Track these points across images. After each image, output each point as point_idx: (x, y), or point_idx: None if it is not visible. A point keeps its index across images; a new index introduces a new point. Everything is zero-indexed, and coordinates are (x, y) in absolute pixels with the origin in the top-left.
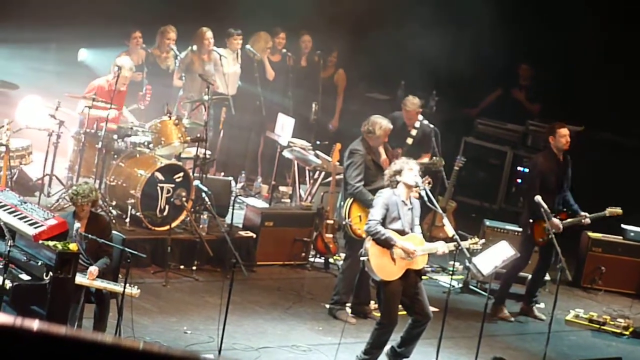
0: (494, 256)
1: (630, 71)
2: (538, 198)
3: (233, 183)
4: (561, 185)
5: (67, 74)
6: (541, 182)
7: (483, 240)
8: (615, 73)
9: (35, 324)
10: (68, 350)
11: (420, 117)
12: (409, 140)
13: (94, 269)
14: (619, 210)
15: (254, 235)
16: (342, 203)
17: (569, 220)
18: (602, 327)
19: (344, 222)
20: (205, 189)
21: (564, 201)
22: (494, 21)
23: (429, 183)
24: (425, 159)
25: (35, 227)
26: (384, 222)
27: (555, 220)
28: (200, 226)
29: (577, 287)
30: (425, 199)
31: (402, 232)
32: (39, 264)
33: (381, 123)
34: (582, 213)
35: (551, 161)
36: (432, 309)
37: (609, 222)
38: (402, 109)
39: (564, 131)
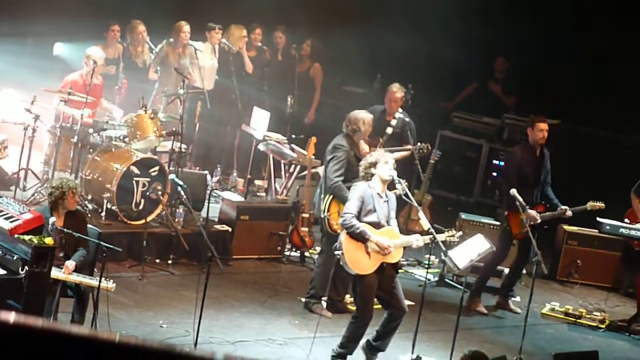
0: (470, 249)
1: (607, 63)
2: (513, 191)
3: (209, 177)
4: (538, 178)
5: (43, 67)
6: (518, 174)
7: (460, 233)
8: (592, 65)
9: (11, 316)
10: (44, 342)
11: (399, 109)
12: (389, 130)
13: (70, 263)
14: (601, 204)
15: (230, 229)
16: (321, 197)
17: (547, 213)
18: (578, 320)
19: (322, 216)
20: (180, 182)
21: (543, 195)
22: (469, 14)
23: (406, 185)
24: (407, 148)
25: (11, 221)
26: (359, 215)
27: (532, 212)
28: (176, 220)
29: (553, 280)
30: (402, 193)
31: (377, 225)
32: (15, 258)
33: (364, 118)
34: (563, 207)
35: (528, 153)
36: (407, 302)
37: (584, 215)
38: (383, 98)
39: (543, 126)
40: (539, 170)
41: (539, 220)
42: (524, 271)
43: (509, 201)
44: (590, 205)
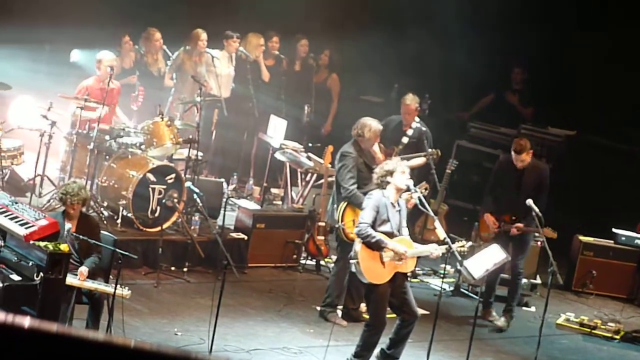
0: (486, 259)
1: (624, 74)
2: (529, 202)
3: (225, 185)
4: (516, 190)
5: (60, 74)
6: (496, 182)
7: (470, 243)
8: (609, 76)
9: (26, 321)
10: (59, 347)
11: (416, 118)
12: (405, 140)
13: (84, 270)
14: (553, 234)
15: (246, 237)
16: (335, 206)
17: (506, 225)
18: (593, 331)
19: (336, 225)
20: (197, 190)
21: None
22: (487, 24)
23: (425, 189)
24: (421, 155)
25: (27, 228)
26: (373, 225)
27: (490, 219)
28: (192, 227)
29: (568, 290)
30: (418, 202)
31: (391, 235)
32: (30, 264)
33: (370, 125)
34: (519, 224)
35: (508, 166)
36: (422, 311)
37: (599, 226)
38: (400, 107)
39: (521, 157)
40: (518, 183)
41: (495, 229)
42: (539, 281)
43: (482, 201)
44: (544, 231)
